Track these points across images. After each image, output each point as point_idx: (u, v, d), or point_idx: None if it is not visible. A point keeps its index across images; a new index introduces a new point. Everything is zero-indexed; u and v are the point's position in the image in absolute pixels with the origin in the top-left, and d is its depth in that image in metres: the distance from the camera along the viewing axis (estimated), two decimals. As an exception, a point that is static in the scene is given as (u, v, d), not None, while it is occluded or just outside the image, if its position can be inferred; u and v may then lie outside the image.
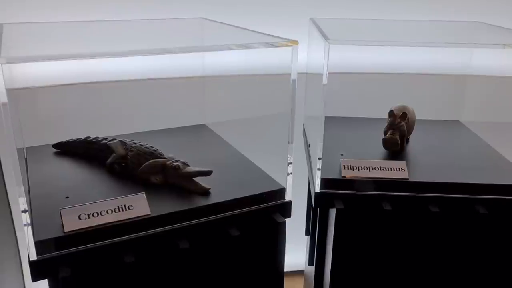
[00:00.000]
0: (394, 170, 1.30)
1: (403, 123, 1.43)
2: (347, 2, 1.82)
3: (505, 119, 1.65)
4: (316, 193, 1.28)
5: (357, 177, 1.29)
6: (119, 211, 1.05)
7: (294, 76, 1.12)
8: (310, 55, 1.67)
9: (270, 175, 1.28)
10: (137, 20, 1.58)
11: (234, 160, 1.40)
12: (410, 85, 1.82)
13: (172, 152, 1.28)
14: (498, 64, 1.64)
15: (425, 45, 1.34)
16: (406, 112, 1.44)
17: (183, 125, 1.64)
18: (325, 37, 1.21)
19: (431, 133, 1.67)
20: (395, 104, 1.52)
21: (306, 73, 1.69)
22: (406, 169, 1.30)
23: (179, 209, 1.10)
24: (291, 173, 1.20)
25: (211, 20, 1.55)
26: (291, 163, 1.20)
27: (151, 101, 1.66)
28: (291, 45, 1.10)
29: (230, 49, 1.09)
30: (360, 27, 1.68)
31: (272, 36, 1.17)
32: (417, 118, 1.79)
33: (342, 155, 1.43)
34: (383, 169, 1.30)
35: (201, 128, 1.66)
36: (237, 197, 1.16)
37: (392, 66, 1.80)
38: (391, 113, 1.44)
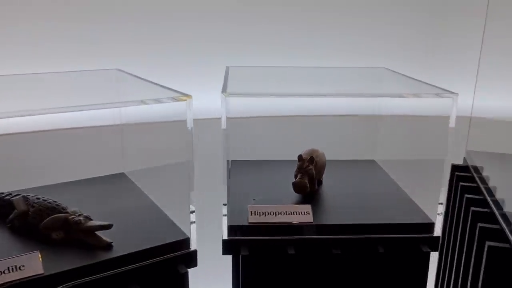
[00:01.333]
0: (299, 214, 1.34)
1: (311, 166, 1.49)
2: (268, 52, 1.91)
3: (415, 157, 1.73)
4: (223, 240, 1.30)
5: (263, 223, 1.32)
6: (10, 271, 1.03)
7: (190, 125, 1.16)
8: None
9: (179, 224, 1.30)
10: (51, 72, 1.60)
11: (145, 210, 1.40)
12: (327, 127, 1.90)
13: (86, 203, 1.28)
14: (404, 105, 1.74)
15: (321, 96, 1.41)
16: (314, 156, 1.51)
17: (102, 175, 1.64)
18: (223, 88, 1.27)
19: (345, 173, 1.74)
20: (311, 145, 1.58)
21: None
22: (311, 213, 1.34)
23: (77, 266, 1.09)
24: (194, 222, 1.23)
25: (125, 72, 1.59)
26: (193, 211, 1.22)
27: (68, 152, 1.66)
28: (186, 100, 1.15)
29: (130, 105, 1.13)
30: (272, 74, 1.76)
31: (172, 90, 1.21)
32: (334, 158, 1.86)
33: (254, 200, 1.47)
34: (288, 214, 1.34)
35: (119, 177, 1.66)
36: (139, 249, 1.17)
37: (309, 109, 1.88)
38: (300, 157, 1.50)
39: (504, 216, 1.38)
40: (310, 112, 1.86)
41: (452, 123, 1.24)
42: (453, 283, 1.69)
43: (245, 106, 1.82)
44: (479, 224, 1.40)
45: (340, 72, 1.79)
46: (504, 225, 1.35)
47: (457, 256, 1.66)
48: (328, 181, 1.64)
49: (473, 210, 1.50)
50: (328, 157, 1.81)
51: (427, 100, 1.40)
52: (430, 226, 1.33)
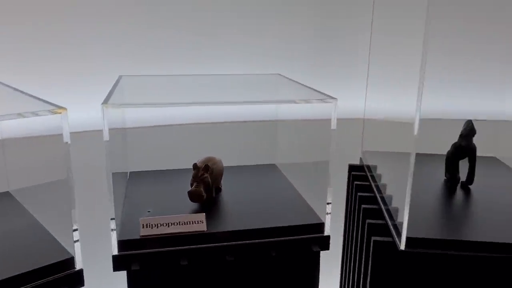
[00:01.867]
0: (193, 223, 1.33)
1: (206, 174, 1.48)
2: (161, 60, 1.88)
3: (311, 160, 1.79)
4: (113, 256, 1.25)
5: (156, 235, 1.29)
6: None
7: (66, 139, 1.11)
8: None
9: (64, 244, 1.24)
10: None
11: (28, 230, 1.32)
12: (228, 133, 1.91)
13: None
14: (299, 109, 1.79)
15: (207, 104, 1.41)
16: (210, 164, 1.50)
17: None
18: (105, 99, 1.23)
19: (246, 179, 1.76)
20: (211, 153, 1.58)
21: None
22: (204, 221, 1.34)
23: None
24: (78, 240, 1.17)
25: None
26: (76, 229, 1.17)
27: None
28: (61, 112, 1.09)
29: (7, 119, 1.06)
30: (166, 83, 1.74)
31: (48, 103, 1.15)
32: (236, 164, 1.87)
33: (149, 212, 1.44)
34: (182, 224, 1.32)
35: (4, 196, 1.55)
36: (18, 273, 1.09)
37: (209, 116, 1.88)
38: (195, 166, 1.49)
39: (388, 211, 1.46)
40: (210, 120, 1.86)
41: (333, 126, 1.29)
42: (351, 278, 1.77)
43: (142, 116, 1.79)
44: (367, 221, 1.48)
45: (236, 79, 1.80)
46: (388, 220, 1.43)
47: (353, 253, 1.74)
48: (228, 187, 1.65)
49: (363, 208, 1.58)
50: (230, 163, 1.82)
51: (317, 104, 1.46)
52: (321, 226, 1.38)
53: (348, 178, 1.95)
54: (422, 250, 1.29)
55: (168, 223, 1.32)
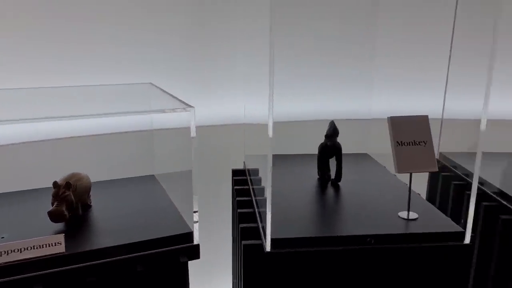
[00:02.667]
0: (49, 246, 1.25)
1: (68, 192, 1.40)
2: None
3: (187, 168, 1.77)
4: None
5: (7, 263, 1.19)
6: None
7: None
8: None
9: None
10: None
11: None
12: (102, 146, 1.83)
13: None
14: (175, 118, 1.77)
15: (57, 119, 1.34)
16: (72, 180, 1.42)
17: None
18: None
19: (121, 192, 1.70)
20: (80, 169, 1.50)
21: None
22: (63, 243, 1.26)
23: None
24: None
25: None
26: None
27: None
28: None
29: None
30: (32, 95, 1.63)
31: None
32: (114, 178, 1.79)
33: (2, 237, 1.33)
34: (37, 247, 1.23)
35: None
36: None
37: (80, 129, 1.79)
38: (55, 184, 1.40)
39: (259, 214, 1.49)
40: (79, 133, 1.77)
41: (193, 133, 1.29)
42: (233, 283, 1.78)
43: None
44: (240, 225, 1.49)
45: (105, 90, 1.74)
46: (259, 223, 1.45)
47: (233, 258, 1.75)
48: (99, 203, 1.57)
49: (238, 212, 1.59)
50: (104, 177, 1.74)
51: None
52: (189, 235, 1.36)
53: (232, 183, 1.96)
54: (288, 250, 1.32)
55: (21, 248, 1.22)
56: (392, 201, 1.58)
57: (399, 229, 1.38)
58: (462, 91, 2.21)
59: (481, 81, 1.42)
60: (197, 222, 1.34)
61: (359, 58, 2.14)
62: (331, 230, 1.39)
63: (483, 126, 1.32)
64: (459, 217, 1.92)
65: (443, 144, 2.25)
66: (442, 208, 2.04)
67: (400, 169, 1.40)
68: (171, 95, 1.49)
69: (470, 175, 1.94)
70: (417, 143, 1.42)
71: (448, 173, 2.06)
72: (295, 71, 1.88)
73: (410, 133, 1.43)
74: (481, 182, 1.88)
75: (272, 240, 1.31)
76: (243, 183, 1.85)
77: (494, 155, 2.18)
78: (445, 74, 2.14)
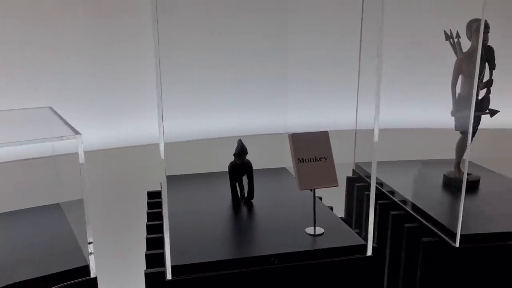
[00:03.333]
0: None
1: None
2: None
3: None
4: None
5: None
6: None
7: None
8: None
9: None
10: None
11: None
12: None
13: None
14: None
15: None
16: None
17: None
18: None
19: (20, 225, 1.59)
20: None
21: None
22: None
23: None
24: None
25: None
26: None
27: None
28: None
29: None
30: None
31: None
32: (14, 209, 1.69)
33: None
34: None
35: None
36: None
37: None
38: None
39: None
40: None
41: (81, 160, 1.23)
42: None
43: None
44: (145, 252, 1.44)
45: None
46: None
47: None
48: (-7, 239, 1.47)
49: (146, 238, 1.54)
50: (5, 208, 1.63)
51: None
52: (85, 268, 1.29)
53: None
54: (189, 277, 1.28)
55: None
56: (303, 217, 1.58)
57: (302, 246, 1.38)
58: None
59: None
60: (92, 253, 1.27)
61: (273, 72, 2.16)
62: (235, 252, 1.37)
63: (375, 136, 1.35)
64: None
65: (359, 154, 2.31)
66: (358, 219, 2.09)
67: (302, 186, 1.40)
68: (64, 120, 1.42)
69: (383, 184, 2.00)
70: (318, 159, 1.43)
71: (363, 183, 2.11)
72: (196, 88, 1.86)
73: (311, 150, 1.44)
74: (391, 191, 1.94)
75: (173, 267, 1.27)
76: (158, 206, 1.80)
77: (410, 163, 2.26)
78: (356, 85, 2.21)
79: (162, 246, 1.46)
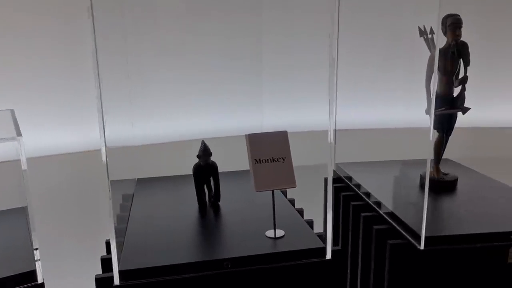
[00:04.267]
0: None
1: None
2: None
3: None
4: None
5: None
6: None
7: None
8: None
9: None
10: None
11: None
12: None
13: None
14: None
15: None
16: None
17: None
18: None
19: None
20: None
21: None
22: None
23: None
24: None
25: None
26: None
27: None
28: None
29: None
30: None
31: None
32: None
33: None
34: None
35: None
36: None
37: None
38: None
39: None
40: None
41: (23, 166, 1.20)
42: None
43: None
44: (101, 256, 1.41)
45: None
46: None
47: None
48: None
49: (105, 241, 1.51)
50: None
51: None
52: (31, 273, 1.27)
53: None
54: (137, 282, 1.25)
55: None
56: (267, 220, 1.54)
57: (258, 250, 1.33)
58: (356, 101, 2.24)
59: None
60: (38, 260, 1.24)
61: (247, 73, 2.13)
62: (190, 257, 1.33)
63: (331, 137, 1.31)
64: (346, 229, 1.92)
65: (340, 155, 2.26)
66: (335, 220, 2.04)
67: (258, 187, 1.36)
68: (15, 123, 1.40)
69: (360, 186, 1.95)
70: (276, 159, 1.39)
71: (340, 184, 2.06)
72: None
73: (268, 150, 1.40)
74: (367, 193, 1.89)
75: (121, 272, 1.24)
76: (125, 209, 1.77)
77: (390, 163, 2.21)
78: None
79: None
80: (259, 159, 1.38)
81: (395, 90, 2.18)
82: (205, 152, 1.62)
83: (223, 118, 2.08)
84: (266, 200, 1.67)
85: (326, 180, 2.20)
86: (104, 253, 1.48)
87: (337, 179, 2.14)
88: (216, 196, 1.69)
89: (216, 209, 1.66)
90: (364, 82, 2.16)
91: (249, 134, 1.40)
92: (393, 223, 1.59)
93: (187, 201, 1.73)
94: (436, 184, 1.83)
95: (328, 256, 1.35)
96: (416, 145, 2.15)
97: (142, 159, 2.07)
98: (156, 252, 1.34)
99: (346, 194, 1.94)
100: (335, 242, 1.48)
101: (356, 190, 1.94)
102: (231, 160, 2.11)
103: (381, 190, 1.87)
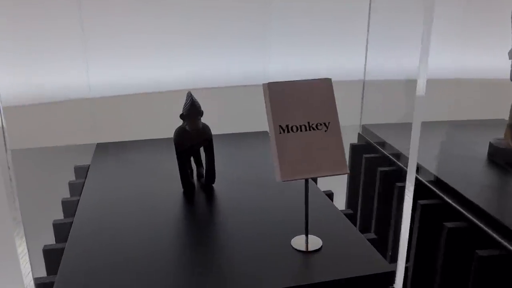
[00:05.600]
0: None
1: None
2: None
3: None
4: None
5: None
6: None
7: None
8: None
9: None
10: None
11: None
12: None
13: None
14: None
15: None
16: None
17: None
18: None
19: None
20: None
21: None
22: None
23: None
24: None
25: None
26: None
27: None
28: None
29: None
30: None
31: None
32: None
33: None
34: None
35: None
36: None
37: None
38: None
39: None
40: None
41: None
42: None
43: None
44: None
45: None
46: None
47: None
48: None
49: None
50: None
51: None
52: None
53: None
54: None
55: None
56: (289, 216, 1.01)
57: (286, 278, 0.80)
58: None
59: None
60: None
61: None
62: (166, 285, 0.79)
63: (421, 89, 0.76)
64: (388, 219, 1.40)
65: (367, 114, 1.72)
66: (367, 206, 1.52)
67: (284, 174, 0.81)
68: None
69: (401, 156, 1.42)
70: (313, 126, 0.83)
71: (374, 155, 1.53)
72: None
73: (302, 111, 0.84)
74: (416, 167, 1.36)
75: None
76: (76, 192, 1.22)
77: (452, 125, 1.67)
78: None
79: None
80: (287, 126, 0.82)
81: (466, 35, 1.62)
82: (192, 109, 1.05)
83: (216, 62, 1.50)
84: (281, 182, 1.14)
85: (352, 146, 1.67)
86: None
87: (365, 147, 1.60)
88: (209, 175, 1.14)
89: (209, 195, 1.12)
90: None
91: (270, 82, 0.83)
92: (473, 219, 1.07)
93: (166, 181, 1.17)
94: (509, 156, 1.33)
95: (399, 286, 0.83)
96: (488, 101, 1.63)
97: (103, 117, 1.49)
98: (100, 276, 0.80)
99: (384, 170, 1.41)
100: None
101: (401, 165, 1.40)
102: (227, 119, 1.56)
103: (443, 166, 1.34)
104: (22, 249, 0.72)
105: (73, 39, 1.41)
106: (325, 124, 0.83)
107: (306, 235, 0.89)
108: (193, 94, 1.07)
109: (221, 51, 1.56)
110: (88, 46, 1.41)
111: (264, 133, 1.55)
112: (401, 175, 1.36)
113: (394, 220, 1.32)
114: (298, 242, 0.90)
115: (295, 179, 0.81)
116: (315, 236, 0.90)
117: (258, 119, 1.56)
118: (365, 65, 1.67)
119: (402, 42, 1.44)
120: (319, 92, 0.84)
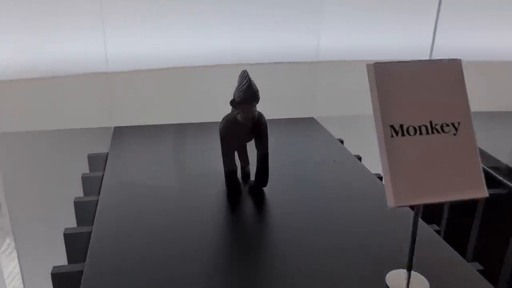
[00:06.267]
0: None
1: None
2: None
3: None
4: None
5: None
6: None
7: None
8: None
9: None
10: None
11: None
12: None
13: None
14: None
15: None
16: None
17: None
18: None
19: None
20: None
21: None
22: None
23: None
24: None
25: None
26: None
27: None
28: None
29: None
30: None
31: None
32: None
33: None
34: None
35: None
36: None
37: None
38: None
39: None
40: None
41: None
42: None
43: None
44: None
45: None
46: None
47: None
48: None
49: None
50: None
51: None
52: None
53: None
54: None
55: None
56: (372, 230, 0.77)
57: None
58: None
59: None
60: None
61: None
62: None
63: None
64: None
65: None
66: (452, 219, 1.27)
67: (398, 199, 0.56)
68: None
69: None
70: (439, 128, 0.59)
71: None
72: None
73: (421, 105, 0.58)
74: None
75: None
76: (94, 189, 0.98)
77: None
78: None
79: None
80: (401, 127, 0.57)
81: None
82: (249, 93, 0.79)
83: (262, 36, 1.22)
84: (348, 180, 0.90)
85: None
86: None
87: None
88: (260, 176, 0.89)
89: (260, 201, 0.88)
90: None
91: (376, 62, 0.58)
92: None
93: (205, 179, 0.93)
94: None
95: None
96: None
97: (121, 95, 1.24)
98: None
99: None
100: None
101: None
102: (271, 101, 1.30)
103: None
104: None
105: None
106: (453, 125, 0.58)
107: (408, 278, 0.66)
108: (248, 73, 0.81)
109: (265, 21, 1.29)
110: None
111: (311, 120, 1.30)
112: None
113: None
114: (396, 281, 0.66)
115: (411, 205, 0.57)
116: (417, 273, 0.67)
117: (306, 103, 1.31)
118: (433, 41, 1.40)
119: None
120: (444, 79, 0.59)
